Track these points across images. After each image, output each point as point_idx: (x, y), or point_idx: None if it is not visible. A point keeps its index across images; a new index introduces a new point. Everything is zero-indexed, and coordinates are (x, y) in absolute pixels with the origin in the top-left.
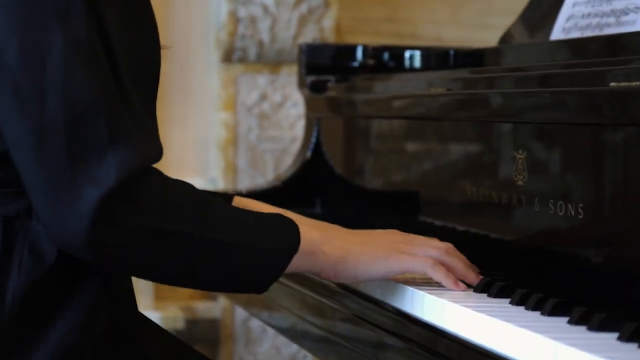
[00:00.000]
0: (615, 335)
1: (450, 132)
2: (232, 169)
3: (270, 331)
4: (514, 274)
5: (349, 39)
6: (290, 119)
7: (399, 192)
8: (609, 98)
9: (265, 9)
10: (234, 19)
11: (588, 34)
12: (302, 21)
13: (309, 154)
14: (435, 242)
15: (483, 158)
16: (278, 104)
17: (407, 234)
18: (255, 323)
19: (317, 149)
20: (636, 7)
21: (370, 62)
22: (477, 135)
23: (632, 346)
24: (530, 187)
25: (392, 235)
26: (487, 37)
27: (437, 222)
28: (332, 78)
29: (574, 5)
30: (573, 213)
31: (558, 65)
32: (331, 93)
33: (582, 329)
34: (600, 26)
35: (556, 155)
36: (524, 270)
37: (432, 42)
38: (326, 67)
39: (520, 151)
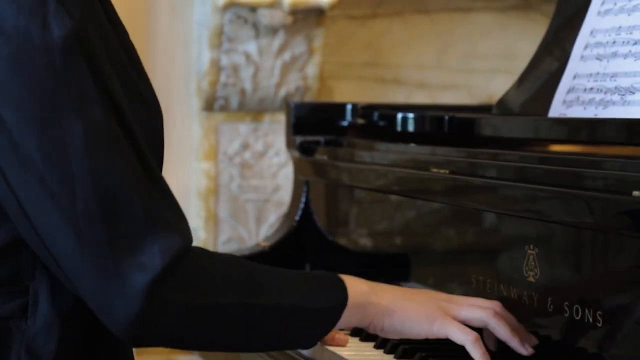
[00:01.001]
0: None
1: (447, 212)
2: (213, 219)
3: None
4: None
5: (332, 84)
6: (272, 167)
7: (390, 257)
8: (628, 208)
9: (247, 57)
10: (216, 67)
11: (591, 110)
12: (285, 69)
13: (297, 217)
14: (481, 302)
15: (485, 245)
16: (260, 153)
17: (450, 295)
18: None
19: (306, 211)
20: None
21: (360, 121)
22: (478, 220)
23: None
24: (543, 285)
25: (435, 294)
26: (471, 81)
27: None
28: (321, 138)
29: (574, 77)
30: (591, 320)
31: (563, 161)
32: (320, 156)
33: None
34: (604, 103)
35: (570, 255)
36: None
37: (416, 86)
38: (314, 126)
39: (531, 246)
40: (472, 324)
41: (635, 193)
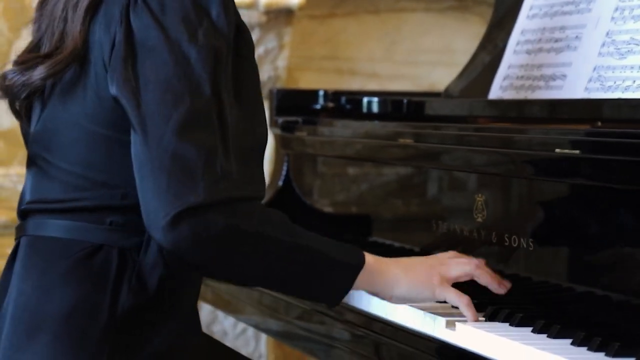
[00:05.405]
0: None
1: (408, 173)
2: None
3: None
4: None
5: (297, 75)
6: None
7: (355, 217)
8: (547, 162)
9: None
10: None
11: (522, 93)
12: (259, 61)
13: (280, 184)
14: (466, 259)
15: (445, 196)
16: None
17: (439, 256)
18: (217, 327)
19: (287, 180)
20: (562, 75)
21: (330, 105)
22: (437, 176)
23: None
24: (488, 224)
25: (429, 260)
26: (416, 72)
27: (397, 244)
28: (299, 119)
29: (509, 67)
30: (525, 245)
31: (496, 129)
32: (299, 133)
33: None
34: (532, 88)
35: (509, 200)
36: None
37: (369, 77)
38: (293, 109)
39: (479, 194)
40: (461, 280)
41: (558, 150)
